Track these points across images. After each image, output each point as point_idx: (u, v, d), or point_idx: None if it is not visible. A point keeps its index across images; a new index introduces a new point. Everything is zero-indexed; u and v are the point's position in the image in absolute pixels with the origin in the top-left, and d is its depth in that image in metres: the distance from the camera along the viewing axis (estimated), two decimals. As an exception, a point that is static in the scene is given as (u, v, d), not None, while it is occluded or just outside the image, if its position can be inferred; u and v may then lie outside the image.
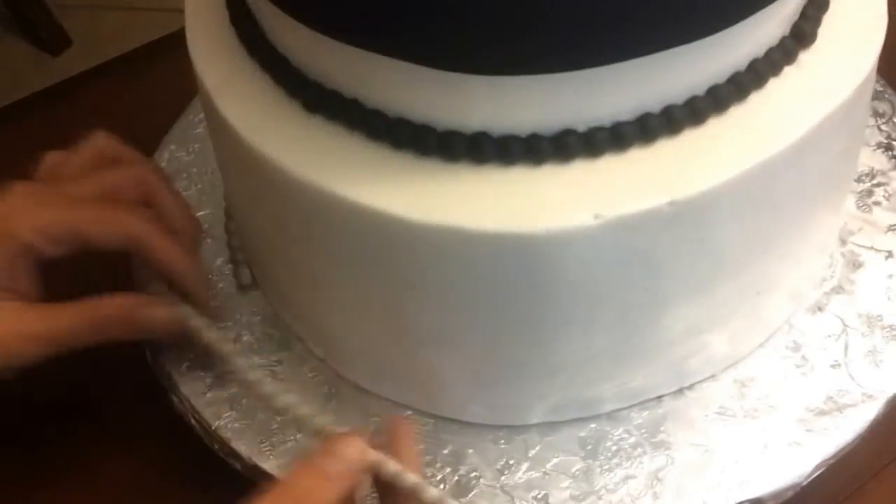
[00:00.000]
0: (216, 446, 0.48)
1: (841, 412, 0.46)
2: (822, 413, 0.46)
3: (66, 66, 1.37)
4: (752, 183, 0.39)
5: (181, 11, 0.46)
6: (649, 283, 0.41)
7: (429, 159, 0.39)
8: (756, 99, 0.40)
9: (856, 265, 0.51)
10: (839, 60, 0.42)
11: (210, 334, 0.46)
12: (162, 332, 0.48)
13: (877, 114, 0.56)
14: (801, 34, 0.41)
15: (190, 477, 0.50)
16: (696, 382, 0.47)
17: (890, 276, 0.50)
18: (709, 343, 0.45)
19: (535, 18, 0.35)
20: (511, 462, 0.46)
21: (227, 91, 0.43)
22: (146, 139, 0.57)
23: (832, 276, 0.50)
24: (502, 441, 0.46)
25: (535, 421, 0.46)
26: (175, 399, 0.49)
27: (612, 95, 0.38)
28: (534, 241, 0.38)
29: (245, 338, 0.51)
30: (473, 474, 0.45)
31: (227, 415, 0.48)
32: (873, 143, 0.55)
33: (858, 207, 0.53)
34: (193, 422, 0.49)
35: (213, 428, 0.48)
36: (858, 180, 0.54)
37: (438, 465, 0.46)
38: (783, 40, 0.41)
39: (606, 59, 0.37)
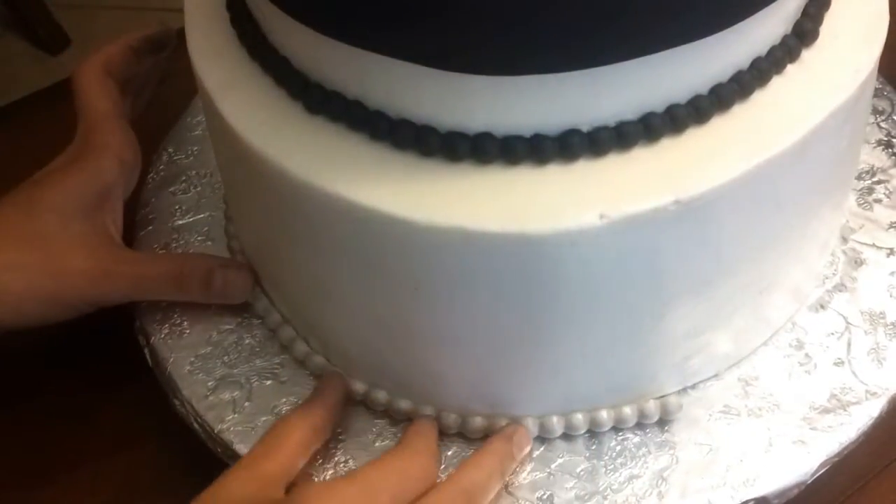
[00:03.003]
0: (219, 450, 0.48)
1: (845, 410, 0.46)
2: (826, 411, 0.46)
3: (64, 65, 1.37)
4: (756, 181, 0.39)
5: (181, 11, 0.46)
6: (653, 282, 0.40)
7: (432, 160, 0.39)
8: (759, 97, 0.40)
9: (857, 263, 0.50)
10: (841, 58, 0.42)
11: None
12: (237, 297, 0.50)
13: (876, 111, 0.56)
14: (803, 32, 0.41)
15: (190, 477, 0.48)
16: (699, 382, 0.47)
17: (892, 274, 0.50)
18: (712, 342, 0.45)
19: (537, 18, 0.35)
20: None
21: (228, 92, 0.43)
22: (145, 139, 0.57)
23: (834, 274, 0.50)
24: (507, 442, 0.46)
25: (536, 421, 0.45)
26: (176, 402, 0.49)
27: (615, 95, 0.38)
28: (538, 242, 0.38)
29: (246, 340, 0.51)
30: (478, 476, 0.45)
31: (229, 418, 0.48)
32: (873, 141, 0.55)
33: (859, 205, 0.53)
34: (196, 425, 0.48)
35: (215, 431, 0.47)
36: (859, 178, 0.54)
37: (442, 466, 0.46)
38: (785, 38, 0.41)
39: (609, 58, 0.37)
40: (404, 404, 0.47)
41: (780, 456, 0.44)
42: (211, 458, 0.48)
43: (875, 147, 0.55)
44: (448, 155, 0.39)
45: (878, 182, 0.53)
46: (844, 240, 0.51)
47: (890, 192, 0.53)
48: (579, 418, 0.45)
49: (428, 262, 0.39)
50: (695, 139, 0.39)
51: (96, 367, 0.54)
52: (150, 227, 0.56)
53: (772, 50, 0.40)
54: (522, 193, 0.38)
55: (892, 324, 0.48)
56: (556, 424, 0.45)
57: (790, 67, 0.41)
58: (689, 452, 0.45)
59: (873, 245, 0.51)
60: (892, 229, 0.51)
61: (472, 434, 0.46)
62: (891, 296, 0.49)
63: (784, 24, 0.41)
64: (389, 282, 0.41)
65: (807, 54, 0.42)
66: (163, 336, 0.51)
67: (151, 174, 0.58)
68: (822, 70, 0.41)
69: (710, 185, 0.38)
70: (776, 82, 0.41)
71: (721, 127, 0.39)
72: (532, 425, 0.45)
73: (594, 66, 0.37)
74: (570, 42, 0.36)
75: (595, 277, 0.39)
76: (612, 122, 0.39)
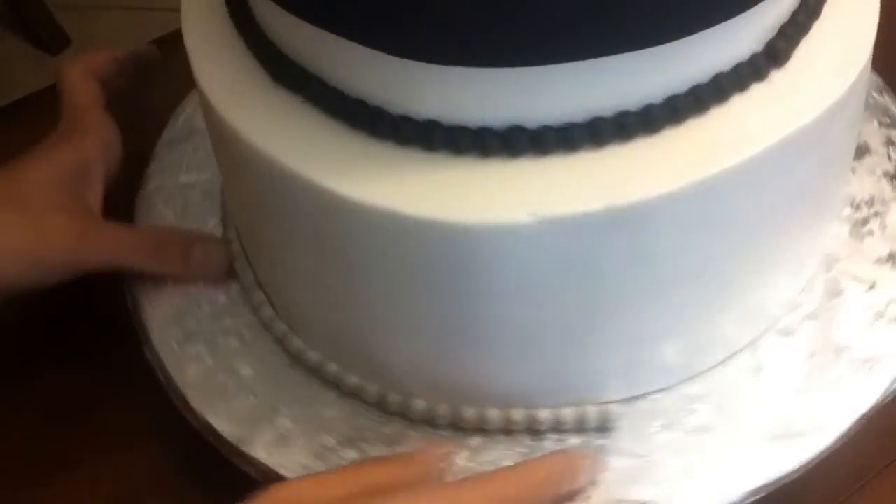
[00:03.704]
0: (176, 402, 0.49)
1: (791, 440, 0.45)
2: (770, 438, 0.45)
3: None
4: (699, 197, 0.39)
5: (180, 11, 0.47)
6: (589, 287, 0.40)
7: (382, 142, 0.40)
8: (716, 113, 0.40)
9: (835, 293, 0.49)
10: (811, 82, 0.41)
11: None
12: (214, 272, 0.52)
13: (889, 142, 0.55)
14: (774, 53, 0.40)
15: (191, 477, 0.50)
16: (649, 392, 0.47)
17: (868, 308, 0.49)
18: (657, 354, 0.45)
19: (483, 12, 0.36)
20: (451, 452, 0.46)
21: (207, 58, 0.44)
22: (145, 138, 0.59)
23: (809, 302, 0.49)
24: (444, 429, 0.47)
25: (475, 412, 0.46)
26: (147, 352, 0.51)
27: (562, 96, 0.38)
28: (465, 232, 0.38)
29: (221, 298, 0.52)
30: (413, 458, 0.46)
31: (190, 372, 0.49)
32: (879, 172, 0.54)
33: (851, 235, 0.51)
34: (161, 376, 0.50)
35: (175, 383, 0.49)
36: (856, 207, 0.52)
37: (378, 443, 0.46)
38: (753, 57, 0.40)
39: (557, 58, 0.37)
40: (352, 379, 0.47)
41: (710, 479, 0.44)
42: (212, 458, 0.47)
43: (880, 178, 0.53)
44: (397, 138, 0.40)
45: (875, 214, 0.52)
46: (828, 268, 0.50)
47: (885, 227, 0.51)
48: (519, 414, 0.46)
49: (362, 241, 0.40)
50: (642, 148, 0.39)
51: (97, 367, 0.54)
52: (156, 181, 0.58)
53: (737, 67, 0.40)
54: (460, 183, 0.39)
55: (857, 359, 0.47)
56: (496, 418, 0.46)
57: (755, 86, 0.40)
58: (622, 462, 0.45)
59: (856, 277, 0.50)
60: (878, 264, 0.50)
61: (413, 416, 0.47)
62: (860, 331, 0.48)
63: (754, 42, 0.40)
64: (330, 258, 0.42)
65: (776, 75, 0.41)
66: (145, 285, 0.53)
67: (167, 130, 0.60)
68: (787, 93, 0.40)
69: (645, 195, 0.38)
70: (736, 100, 0.40)
71: (671, 138, 0.39)
72: (472, 415, 0.46)
73: (540, 65, 0.37)
74: (520, 39, 0.36)
75: (527, 275, 0.40)
76: (557, 123, 0.39)
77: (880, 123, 0.56)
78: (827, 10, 0.43)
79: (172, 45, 0.47)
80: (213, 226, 0.55)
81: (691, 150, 0.39)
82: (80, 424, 0.52)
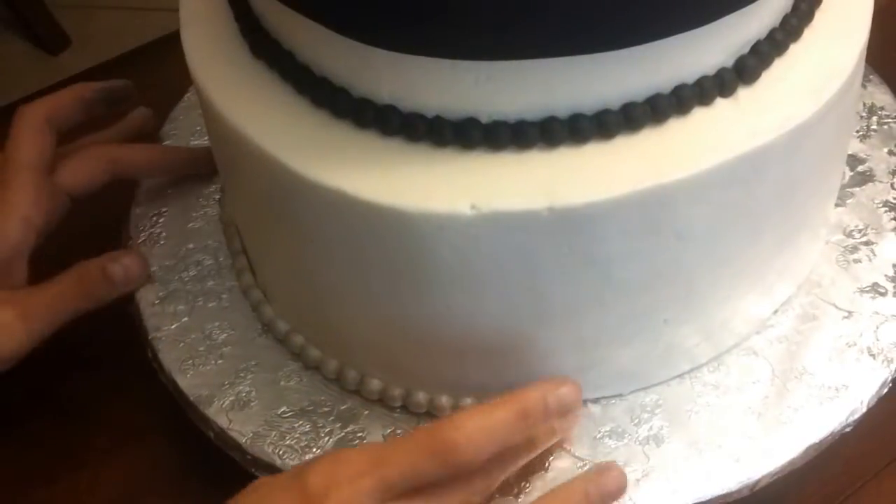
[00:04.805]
0: (150, 354, 0.51)
1: (735, 461, 0.44)
2: (716, 457, 0.45)
3: (64, 65, 1.33)
4: (646, 206, 0.39)
5: (179, 11, 0.47)
6: (532, 285, 0.41)
7: (342, 123, 0.41)
8: (674, 124, 0.40)
9: (810, 318, 0.49)
10: (777, 103, 0.40)
11: None
12: (139, 280, 0.52)
13: (896, 172, 0.54)
14: (743, 69, 0.40)
15: (192, 476, 0.50)
16: (603, 397, 0.47)
17: (840, 337, 0.48)
18: (610, 360, 0.45)
19: (438, 3, 0.36)
20: (398, 432, 0.47)
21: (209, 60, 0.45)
22: (144, 138, 0.59)
23: (782, 325, 0.49)
24: (397, 411, 0.47)
25: (426, 396, 0.46)
26: (132, 306, 0.53)
27: (516, 93, 0.38)
28: (408, 219, 0.39)
29: (208, 261, 0.53)
30: (360, 434, 0.47)
31: (165, 328, 0.51)
32: (878, 201, 0.53)
33: (837, 261, 0.50)
34: (139, 326, 0.52)
35: (149, 337, 0.51)
36: (848, 234, 0.51)
37: (332, 418, 0.47)
38: (721, 72, 0.40)
39: (510, 54, 0.37)
40: (314, 353, 0.48)
41: (646, 492, 0.44)
42: (213, 457, 0.48)
43: (878, 208, 0.52)
44: (356, 121, 0.41)
45: (867, 244, 0.51)
46: (807, 293, 0.49)
47: (873, 257, 0.50)
48: (468, 402, 0.46)
49: (315, 217, 0.41)
50: (594, 152, 0.39)
51: (98, 366, 0.55)
52: (168, 142, 0.59)
53: (699, 80, 0.40)
54: (411, 170, 0.39)
55: (819, 386, 0.46)
56: (447, 405, 0.46)
57: (718, 101, 0.40)
58: (563, 461, 0.45)
59: (833, 305, 0.49)
60: (859, 293, 0.49)
61: (368, 395, 0.47)
62: (829, 359, 0.47)
63: (722, 57, 0.40)
64: (289, 229, 0.43)
65: (743, 92, 0.40)
66: (140, 241, 0.54)
67: (189, 94, 0.62)
68: (751, 110, 0.40)
69: (588, 198, 0.38)
70: (697, 112, 0.40)
71: (625, 145, 0.39)
72: (423, 399, 0.46)
73: (493, 59, 0.37)
74: (472, 32, 0.37)
75: (469, 268, 0.40)
76: (512, 118, 0.39)
77: (891, 152, 0.55)
78: (810, 33, 0.42)
79: (173, 45, 0.47)
80: (212, 189, 0.56)
81: (643, 159, 0.39)
82: (81, 424, 0.53)
